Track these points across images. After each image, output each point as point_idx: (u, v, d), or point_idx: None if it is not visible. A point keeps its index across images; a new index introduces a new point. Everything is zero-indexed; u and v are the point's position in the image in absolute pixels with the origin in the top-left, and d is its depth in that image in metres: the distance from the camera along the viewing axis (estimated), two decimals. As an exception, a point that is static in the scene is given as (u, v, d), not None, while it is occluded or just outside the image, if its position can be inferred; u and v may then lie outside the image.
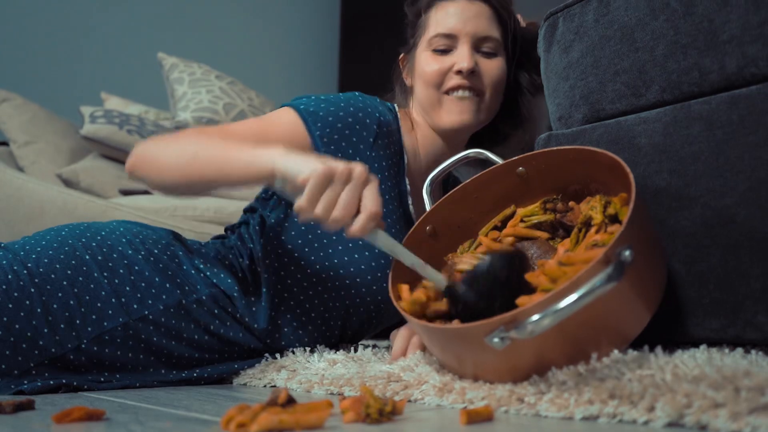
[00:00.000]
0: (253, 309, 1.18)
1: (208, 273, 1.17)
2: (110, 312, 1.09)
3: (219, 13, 3.69)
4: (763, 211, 0.83)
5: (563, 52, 1.06)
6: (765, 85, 0.84)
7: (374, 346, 1.24)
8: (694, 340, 0.90)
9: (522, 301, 0.79)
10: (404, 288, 0.94)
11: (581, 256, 0.82)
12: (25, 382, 1.04)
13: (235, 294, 1.17)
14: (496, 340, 0.74)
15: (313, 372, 1.04)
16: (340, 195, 0.86)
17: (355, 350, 1.18)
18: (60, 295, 1.08)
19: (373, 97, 1.23)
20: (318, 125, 1.14)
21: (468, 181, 1.03)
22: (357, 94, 1.21)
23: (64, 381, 1.05)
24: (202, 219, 2.09)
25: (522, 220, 1.01)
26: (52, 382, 1.04)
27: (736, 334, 0.86)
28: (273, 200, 1.23)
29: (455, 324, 0.84)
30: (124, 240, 1.16)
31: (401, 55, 1.35)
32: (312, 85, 3.89)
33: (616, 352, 0.78)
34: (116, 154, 2.42)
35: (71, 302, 1.08)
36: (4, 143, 2.51)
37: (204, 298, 1.15)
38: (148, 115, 2.66)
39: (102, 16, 3.32)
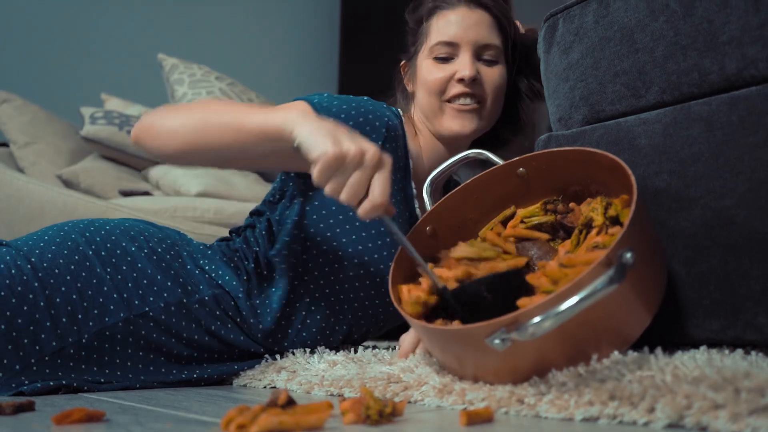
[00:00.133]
0: (258, 311, 1.18)
1: (212, 274, 1.18)
2: (112, 307, 1.10)
3: (219, 15, 3.69)
4: (763, 212, 0.83)
5: (563, 54, 1.06)
6: (765, 86, 0.84)
7: (374, 347, 1.24)
8: (694, 341, 0.90)
9: (523, 302, 0.79)
10: (404, 289, 0.94)
11: (582, 257, 0.82)
12: (26, 381, 1.04)
13: (240, 295, 1.17)
14: (497, 341, 0.74)
15: (313, 373, 1.04)
16: (349, 179, 0.87)
17: (355, 351, 1.18)
18: (63, 289, 1.08)
19: (381, 102, 1.24)
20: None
21: (468, 181, 1.03)
22: (366, 98, 1.22)
23: (64, 382, 1.06)
24: (201, 220, 2.09)
25: (522, 221, 1.01)
26: (51, 383, 1.04)
27: (736, 336, 0.86)
28: (283, 202, 1.22)
29: (456, 325, 0.84)
30: (128, 236, 1.17)
31: (402, 62, 1.36)
32: (312, 85, 3.89)
33: (616, 353, 0.78)
34: (116, 155, 2.42)
35: (74, 296, 1.08)
36: (5, 144, 2.51)
37: (207, 298, 1.16)
38: (148, 116, 2.65)
39: (102, 17, 3.32)
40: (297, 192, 1.20)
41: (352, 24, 3.95)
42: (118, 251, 1.14)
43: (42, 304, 1.06)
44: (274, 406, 0.70)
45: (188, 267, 1.18)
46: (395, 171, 1.20)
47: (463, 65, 1.23)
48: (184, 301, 1.14)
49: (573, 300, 0.71)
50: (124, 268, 1.13)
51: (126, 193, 2.26)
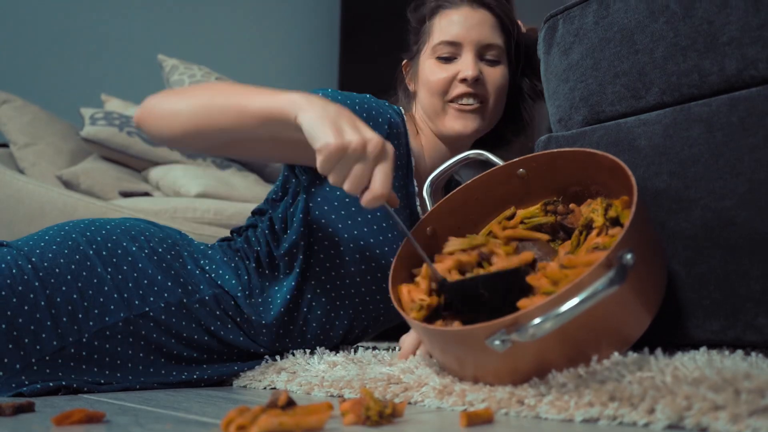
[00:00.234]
0: (260, 309, 1.19)
1: (213, 274, 1.18)
2: (112, 307, 1.10)
3: (219, 15, 3.69)
4: (762, 213, 0.83)
5: (563, 54, 1.06)
6: (765, 87, 0.84)
7: (374, 348, 1.24)
8: (694, 342, 0.90)
9: (523, 303, 0.79)
10: (404, 290, 0.94)
11: (583, 258, 0.82)
12: (26, 381, 1.04)
13: (240, 295, 1.17)
14: (497, 342, 0.74)
15: (313, 374, 1.04)
16: (351, 170, 0.87)
17: (355, 352, 1.18)
18: (64, 288, 1.08)
19: (383, 100, 1.24)
20: None
21: (468, 182, 1.03)
22: (368, 95, 1.22)
23: (63, 383, 1.06)
24: (201, 221, 2.09)
25: (522, 222, 1.01)
26: (51, 384, 1.05)
27: (736, 336, 0.86)
28: (286, 199, 1.22)
29: (456, 326, 0.84)
30: (128, 236, 1.17)
31: (404, 61, 1.36)
32: (312, 86, 3.87)
33: (616, 354, 0.78)
34: (116, 156, 2.42)
35: (74, 296, 1.08)
36: (5, 145, 2.51)
37: (207, 298, 1.16)
38: (148, 117, 2.65)
39: (102, 17, 3.32)
40: (300, 189, 1.20)
41: (352, 24, 3.95)
42: (119, 251, 1.15)
43: (43, 303, 1.06)
44: (274, 407, 0.70)
45: (189, 267, 1.18)
46: (397, 168, 1.20)
47: (466, 65, 1.23)
48: (185, 301, 1.14)
49: (574, 301, 0.71)
50: (125, 267, 1.13)
51: (126, 194, 2.26)
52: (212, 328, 1.16)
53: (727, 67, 0.88)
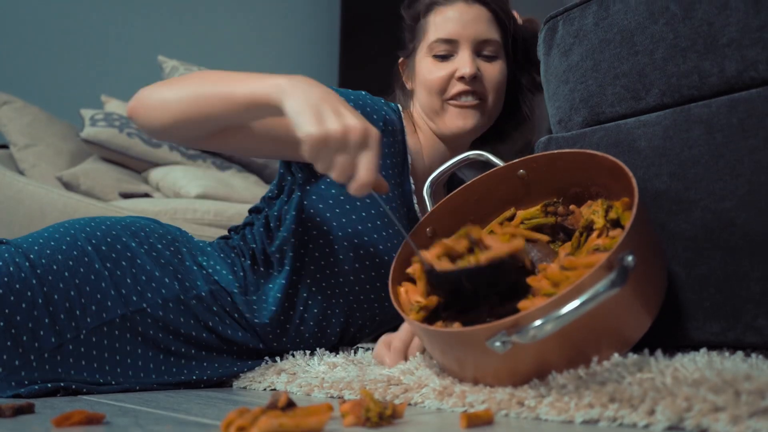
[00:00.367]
0: (255, 307, 1.19)
1: (209, 270, 1.19)
2: (109, 304, 1.10)
3: (219, 16, 3.69)
4: (762, 214, 0.83)
5: (563, 56, 1.06)
6: (765, 88, 0.84)
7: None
8: (695, 343, 0.90)
9: (524, 305, 0.79)
10: (401, 290, 0.94)
11: (584, 260, 0.82)
12: (26, 379, 1.04)
13: (235, 290, 1.18)
14: (497, 344, 0.74)
15: (313, 375, 1.04)
16: (334, 159, 0.88)
17: (355, 353, 1.18)
18: (61, 285, 1.08)
19: (379, 98, 1.24)
20: None
21: (468, 183, 1.04)
22: (364, 93, 1.22)
23: (62, 384, 1.05)
24: (201, 222, 2.09)
25: (522, 223, 1.01)
26: (50, 385, 1.05)
27: (737, 338, 0.86)
28: (281, 197, 1.22)
29: (456, 327, 0.84)
30: (129, 231, 1.17)
31: (400, 59, 1.35)
32: (312, 87, 3.88)
33: (616, 355, 0.78)
34: (116, 157, 2.42)
35: (72, 293, 1.09)
36: (5, 146, 2.51)
37: (204, 294, 1.16)
38: (148, 118, 2.65)
39: (102, 18, 3.32)
40: (295, 186, 1.20)
41: (352, 25, 3.95)
42: (119, 246, 1.15)
43: (40, 301, 1.06)
44: (274, 408, 0.70)
45: (186, 263, 1.18)
46: (393, 166, 1.20)
47: (463, 63, 1.22)
48: (182, 297, 1.14)
49: (575, 303, 0.71)
50: (124, 263, 1.13)
51: (126, 195, 2.26)
52: (210, 323, 1.16)
53: (727, 69, 0.88)
